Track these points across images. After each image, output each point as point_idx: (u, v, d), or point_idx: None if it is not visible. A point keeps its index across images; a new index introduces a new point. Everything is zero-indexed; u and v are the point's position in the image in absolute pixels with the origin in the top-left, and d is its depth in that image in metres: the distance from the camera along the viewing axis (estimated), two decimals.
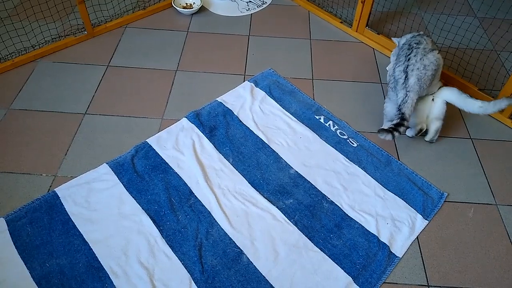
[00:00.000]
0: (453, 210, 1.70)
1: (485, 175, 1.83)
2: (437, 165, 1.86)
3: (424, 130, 1.90)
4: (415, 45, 1.78)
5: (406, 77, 1.73)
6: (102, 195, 1.61)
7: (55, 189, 1.61)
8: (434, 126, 1.87)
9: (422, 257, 1.55)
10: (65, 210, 1.55)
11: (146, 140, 1.83)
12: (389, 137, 1.71)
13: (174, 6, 2.58)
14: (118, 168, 1.71)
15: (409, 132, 1.94)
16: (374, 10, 2.61)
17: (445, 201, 1.72)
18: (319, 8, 2.65)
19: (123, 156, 1.75)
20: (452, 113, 2.02)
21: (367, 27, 2.43)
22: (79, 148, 1.79)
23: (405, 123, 1.72)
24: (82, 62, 2.20)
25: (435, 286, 1.47)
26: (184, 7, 2.62)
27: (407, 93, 1.72)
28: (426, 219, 1.65)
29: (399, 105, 1.73)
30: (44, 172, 1.69)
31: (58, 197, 1.59)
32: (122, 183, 1.66)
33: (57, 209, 1.55)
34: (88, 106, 1.98)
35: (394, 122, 1.73)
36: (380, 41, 2.41)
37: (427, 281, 1.48)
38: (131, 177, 1.68)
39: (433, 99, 1.84)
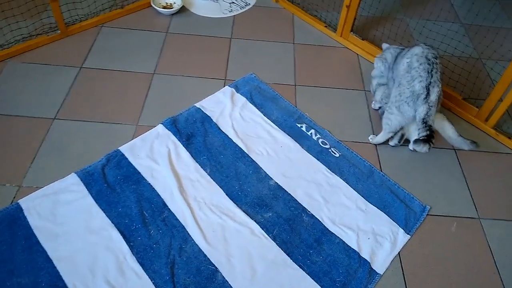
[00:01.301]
0: (436, 224, 1.66)
1: (468, 187, 1.80)
2: (419, 176, 1.81)
3: (405, 136, 1.86)
4: (433, 59, 1.73)
5: (428, 93, 1.69)
6: (70, 207, 1.52)
7: (18, 201, 1.51)
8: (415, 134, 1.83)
9: (403, 274, 1.50)
10: (29, 224, 1.45)
11: (119, 148, 1.74)
12: (425, 148, 1.70)
13: (154, 5, 2.48)
14: (88, 178, 1.61)
15: (392, 142, 1.90)
16: (358, 15, 2.55)
17: (427, 215, 1.68)
18: (304, 11, 2.59)
19: (93, 165, 1.66)
20: None
21: (351, 32, 2.38)
22: (47, 156, 1.69)
23: (434, 134, 1.71)
24: (54, 63, 2.09)
25: None
26: (164, 7, 2.52)
27: (430, 107, 1.69)
28: (408, 234, 1.60)
29: (423, 119, 1.69)
30: (8, 182, 1.59)
31: (21, 209, 1.49)
32: (91, 195, 1.56)
33: (20, 223, 1.45)
34: (58, 110, 1.87)
35: (424, 134, 1.70)
36: (364, 47, 2.36)
37: None
38: (101, 188, 1.59)
39: None
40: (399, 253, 1.55)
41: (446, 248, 1.59)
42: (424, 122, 1.68)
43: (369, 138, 1.93)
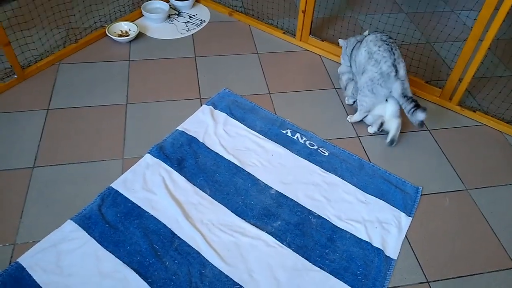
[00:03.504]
0: (430, 202, 1.75)
1: (449, 163, 1.92)
2: (405, 160, 1.91)
3: (384, 123, 1.95)
4: (388, 39, 1.84)
5: (396, 70, 1.79)
6: (74, 256, 1.44)
7: (17, 260, 1.41)
8: (394, 124, 1.91)
9: (415, 254, 1.57)
10: (36, 282, 1.36)
11: (111, 185, 1.67)
12: (424, 114, 1.77)
13: (109, 35, 2.42)
14: (86, 222, 1.54)
15: (371, 129, 1.99)
16: (314, 17, 2.65)
17: (421, 195, 1.77)
18: (259, 21, 2.64)
19: (89, 208, 1.59)
20: None
21: (310, 35, 2.46)
22: (35, 208, 1.59)
23: (418, 102, 1.80)
24: (18, 109, 1.97)
25: (434, 281, 1.50)
26: (120, 35, 2.47)
27: (403, 82, 1.79)
28: (409, 216, 1.68)
29: (402, 93, 1.79)
30: (0, 242, 1.47)
31: (23, 268, 1.39)
32: (94, 238, 1.49)
33: (25, 282, 1.35)
34: (35, 158, 1.77)
35: (411, 106, 1.77)
36: (325, 48, 2.45)
37: (426, 278, 1.51)
38: (103, 230, 1.52)
39: (386, 99, 1.89)
40: (406, 236, 1.62)
41: (445, 222, 1.68)
42: (404, 96, 1.78)
43: (347, 118, 2.05)
